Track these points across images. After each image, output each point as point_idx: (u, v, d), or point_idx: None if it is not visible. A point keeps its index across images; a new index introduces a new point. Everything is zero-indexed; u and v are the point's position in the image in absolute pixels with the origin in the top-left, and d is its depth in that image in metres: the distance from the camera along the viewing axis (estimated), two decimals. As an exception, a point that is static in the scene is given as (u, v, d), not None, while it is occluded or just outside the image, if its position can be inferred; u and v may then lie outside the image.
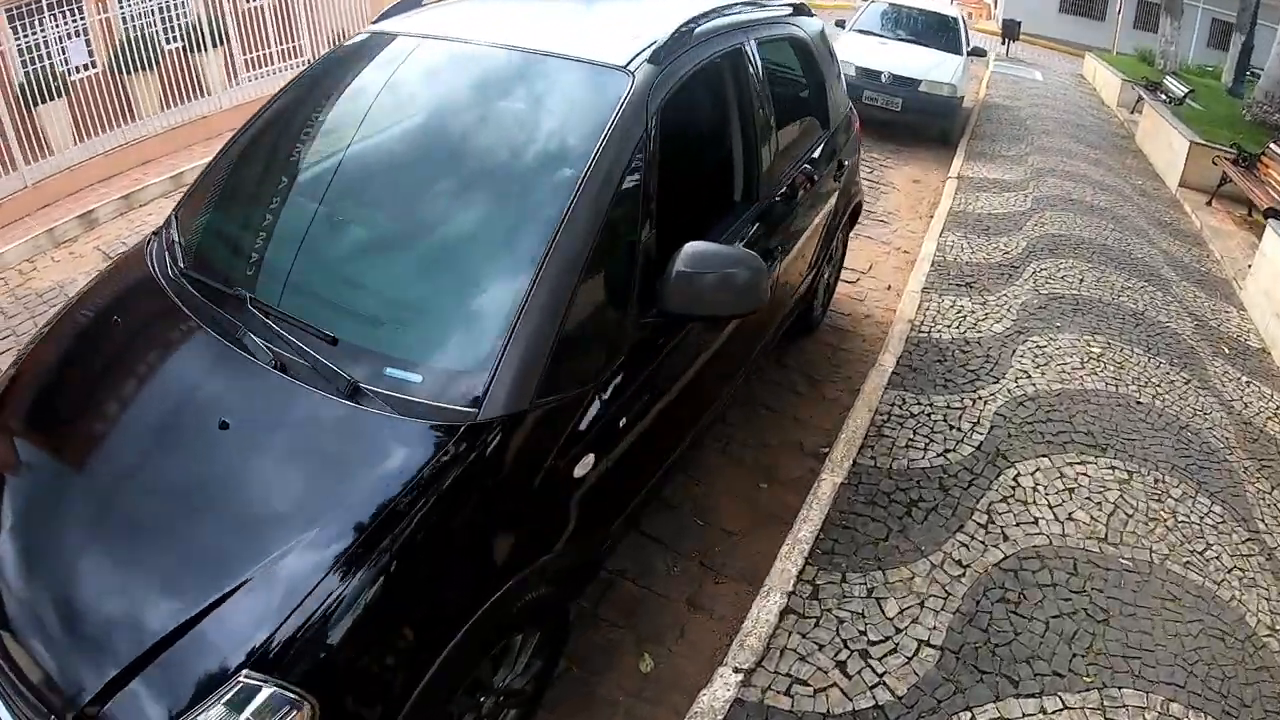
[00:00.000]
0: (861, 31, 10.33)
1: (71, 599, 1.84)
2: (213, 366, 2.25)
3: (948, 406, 4.31)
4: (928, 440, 4.05)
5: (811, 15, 4.47)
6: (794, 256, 3.87)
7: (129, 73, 10.07)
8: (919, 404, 4.33)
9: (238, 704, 1.65)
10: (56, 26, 10.15)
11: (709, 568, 3.37)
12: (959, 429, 4.13)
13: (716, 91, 3.71)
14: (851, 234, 6.26)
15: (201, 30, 10.98)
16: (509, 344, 2.11)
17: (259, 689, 1.66)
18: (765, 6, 3.96)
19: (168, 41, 10.81)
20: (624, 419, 2.49)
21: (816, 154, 4.20)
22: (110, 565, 1.89)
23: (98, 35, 10.57)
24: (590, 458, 2.34)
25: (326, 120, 2.99)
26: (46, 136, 9.94)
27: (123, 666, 1.70)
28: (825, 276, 4.88)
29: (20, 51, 9.77)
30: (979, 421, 4.18)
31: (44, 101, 9.43)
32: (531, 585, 2.17)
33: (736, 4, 3.64)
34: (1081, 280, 5.89)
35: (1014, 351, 4.82)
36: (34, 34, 10.04)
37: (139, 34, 10.65)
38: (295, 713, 1.67)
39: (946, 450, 3.98)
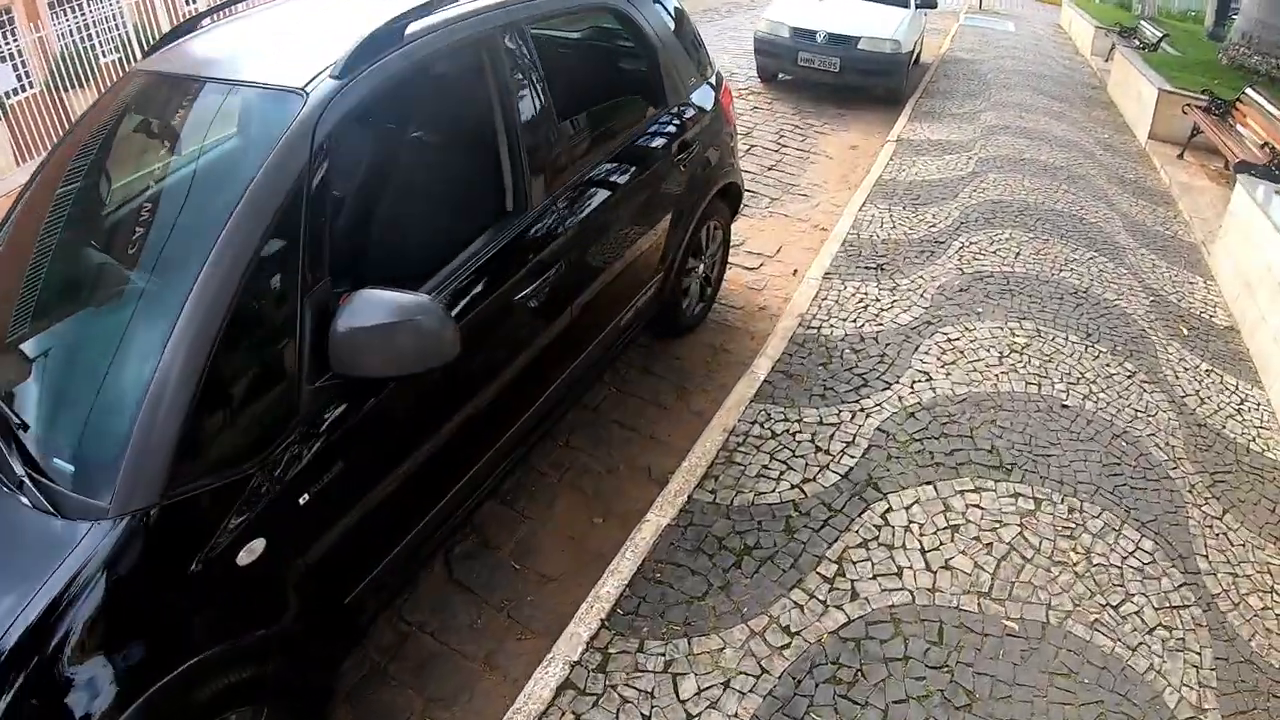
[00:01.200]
0: (798, -13, 9.33)
1: None
2: None
3: (820, 422, 3.53)
4: (784, 468, 3.28)
5: None
6: (611, 255, 3.35)
7: (69, 89, 9.69)
8: (785, 420, 3.56)
9: None
10: None
11: (516, 621, 2.93)
12: (826, 452, 3.35)
13: (452, 91, 3.25)
14: (766, 211, 5.54)
15: (138, 37, 10.74)
16: (133, 433, 1.93)
17: None
18: None
19: (103, 54, 10.31)
20: (306, 495, 2.18)
21: (642, 139, 3.61)
22: None
23: (33, 54, 10.05)
24: (260, 543, 2.08)
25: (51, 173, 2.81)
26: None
27: None
28: (700, 270, 4.24)
29: None
30: (853, 441, 3.40)
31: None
32: (214, 670, 2.02)
33: None
34: (1017, 254, 5.06)
35: (917, 348, 4.02)
36: None
37: (75, 50, 10.16)
38: None
39: (805, 480, 3.21)
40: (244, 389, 2.14)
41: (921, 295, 4.50)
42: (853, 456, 3.31)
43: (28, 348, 2.38)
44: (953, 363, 3.89)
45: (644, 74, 3.77)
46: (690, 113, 3.89)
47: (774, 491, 3.16)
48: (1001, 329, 4.19)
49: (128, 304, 2.25)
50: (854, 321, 4.27)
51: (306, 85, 2.34)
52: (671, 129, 3.76)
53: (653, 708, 2.42)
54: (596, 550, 3.14)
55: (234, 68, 2.67)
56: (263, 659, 2.18)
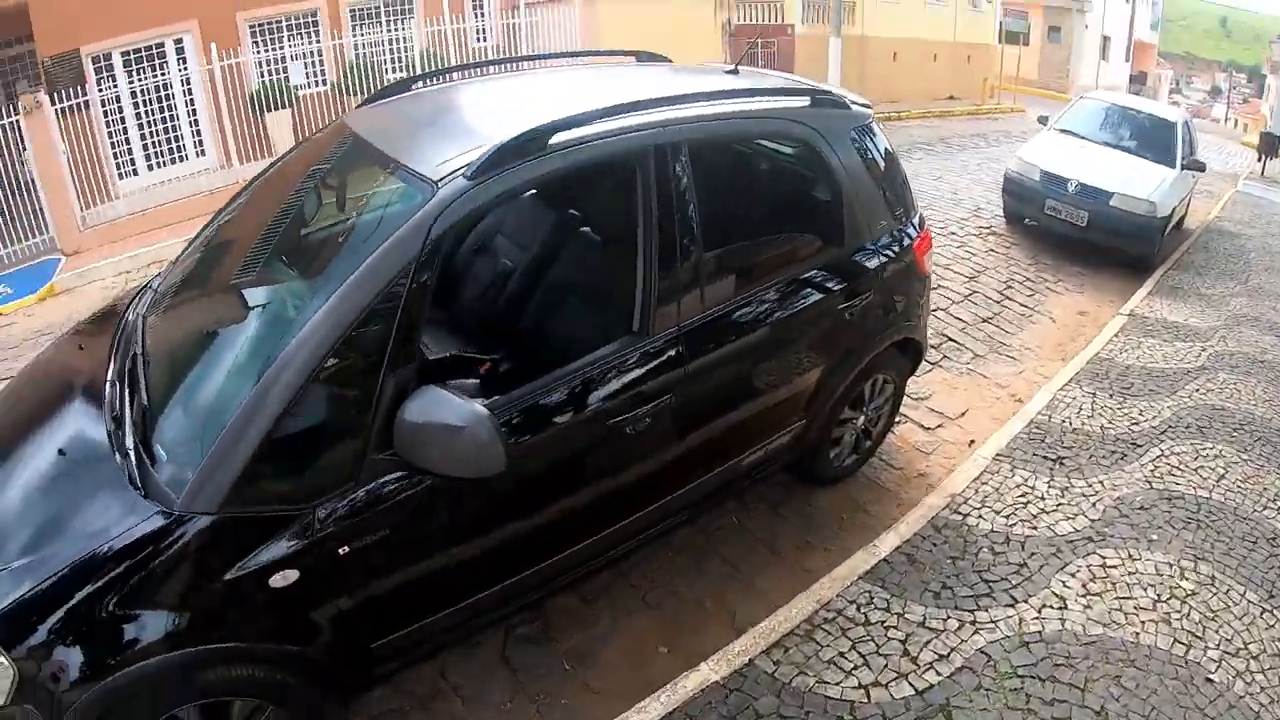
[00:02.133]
0: (1063, 131, 8.70)
1: None
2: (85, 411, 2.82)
3: (921, 623, 3.34)
4: (860, 663, 3.17)
5: (847, 108, 3.69)
6: (740, 393, 3.38)
7: (349, 94, 11.10)
8: (886, 610, 3.42)
9: None
10: (292, 45, 11.35)
11: (542, 718, 3.05)
12: (913, 659, 3.18)
13: (593, 203, 3.46)
14: (965, 367, 5.28)
15: (423, 64, 12.05)
16: (213, 450, 2.29)
17: None
18: (751, 97, 3.43)
19: (389, 71, 11.83)
20: (346, 548, 2.44)
21: (805, 280, 3.53)
22: None
23: (329, 57, 11.71)
24: (293, 574, 2.37)
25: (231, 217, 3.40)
26: (270, 140, 11.12)
27: None
28: (859, 422, 4.14)
29: (258, 65, 10.96)
30: (947, 656, 3.20)
31: (272, 110, 10.60)
32: (233, 659, 2.38)
33: (688, 96, 3.19)
34: (1221, 477, 4.43)
35: (1064, 566, 3.67)
36: (272, 49, 11.26)
37: (365, 61, 11.75)
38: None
39: (875, 684, 3.08)
40: (313, 442, 2.44)
41: (1094, 505, 4.09)
42: (939, 674, 3.10)
43: (180, 342, 2.93)
44: (1098, 594, 3.51)
45: (824, 211, 3.67)
46: (871, 259, 3.72)
47: (837, 685, 3.06)
48: (1171, 567, 3.71)
49: (249, 333, 2.66)
50: (1006, 517, 3.98)
51: (440, 180, 2.56)
52: (843, 274, 3.62)
53: None
54: (649, 679, 3.18)
55: (399, 143, 2.94)
56: (279, 667, 2.49)
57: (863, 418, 4.15)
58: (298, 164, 3.40)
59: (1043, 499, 4.12)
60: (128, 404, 2.71)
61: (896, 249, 3.87)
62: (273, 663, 2.51)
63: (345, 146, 3.20)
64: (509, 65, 4.89)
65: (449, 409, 2.34)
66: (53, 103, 9.62)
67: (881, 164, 3.84)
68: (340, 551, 2.45)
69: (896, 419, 4.70)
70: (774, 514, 4.09)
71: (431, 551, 2.72)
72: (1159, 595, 3.54)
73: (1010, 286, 6.51)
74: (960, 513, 4.01)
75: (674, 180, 3.00)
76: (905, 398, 4.98)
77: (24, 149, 9.80)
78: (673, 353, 3.03)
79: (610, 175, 3.20)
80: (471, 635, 3.23)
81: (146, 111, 10.91)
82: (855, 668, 3.12)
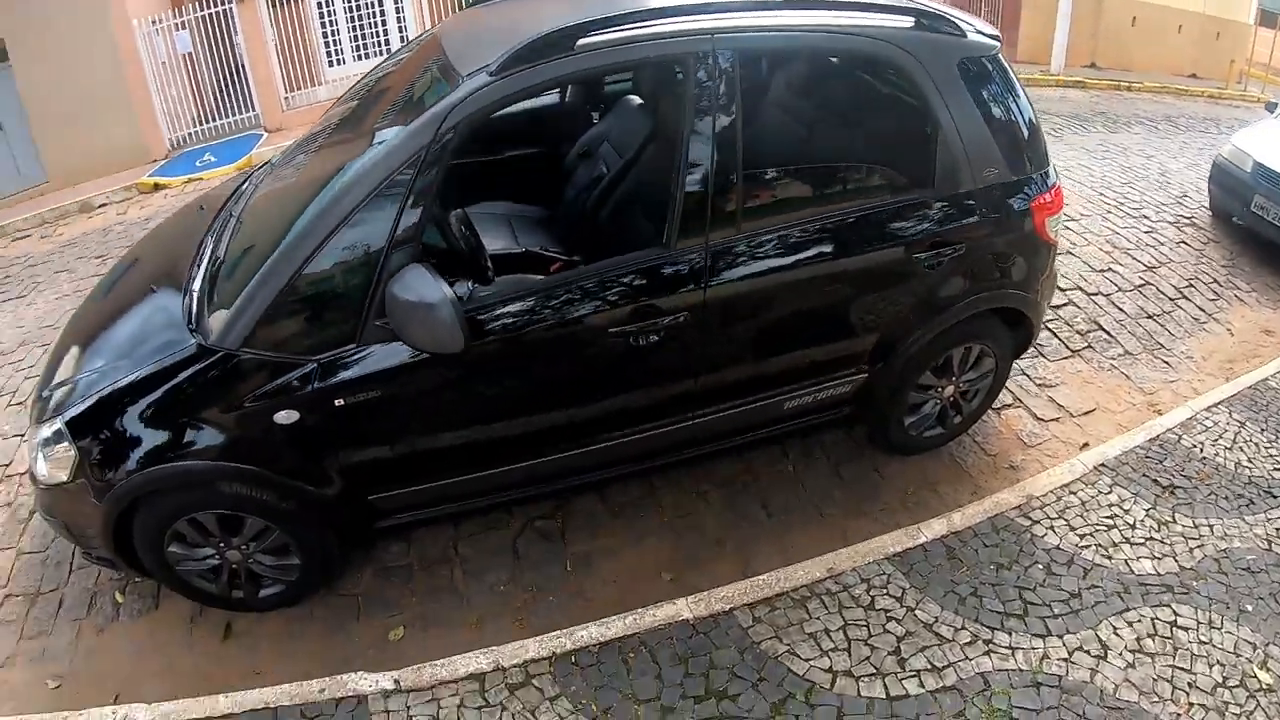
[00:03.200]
0: (1293, 120, 6.94)
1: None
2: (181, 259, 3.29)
3: (929, 625, 3.08)
4: (838, 648, 2.94)
5: (959, 35, 3.17)
6: (773, 328, 3.21)
7: None
8: (899, 601, 3.17)
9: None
10: None
11: (526, 609, 3.20)
12: (899, 659, 2.90)
13: (623, 107, 3.67)
14: (1108, 362, 4.64)
15: None
16: (239, 301, 2.66)
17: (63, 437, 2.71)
18: (838, 10, 3.05)
19: None
20: (342, 400, 2.70)
21: (874, 218, 3.17)
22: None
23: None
24: (294, 414, 2.69)
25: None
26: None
27: None
28: (945, 392, 3.75)
29: None
30: (939, 670, 2.90)
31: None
32: (243, 479, 2.78)
33: (756, 4, 3.00)
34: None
35: (1123, 613, 3.17)
36: None
37: None
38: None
39: (849, 673, 2.86)
40: (320, 302, 2.71)
41: (1191, 550, 3.49)
42: (922, 685, 2.83)
43: (262, 209, 3.29)
44: (1150, 655, 3.02)
45: (912, 145, 3.25)
46: (968, 208, 3.28)
47: (805, 661, 2.88)
48: (1254, 649, 3.11)
49: (303, 204, 2.82)
50: (1080, 537, 3.48)
51: (476, 72, 2.65)
52: (927, 218, 3.22)
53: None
54: (641, 601, 3.15)
55: (458, 44, 3.09)
56: (287, 497, 2.85)
57: (950, 388, 3.73)
58: (398, 64, 3.61)
59: (1132, 527, 3.57)
60: (206, 256, 3.17)
61: (1007, 203, 3.35)
62: (282, 492, 2.85)
63: (427, 48, 3.36)
64: None
65: (426, 287, 2.47)
66: None
67: (1000, 105, 3.29)
68: (336, 403, 2.71)
69: (1000, 400, 4.22)
70: (834, 473, 3.82)
71: (422, 420, 2.90)
72: (1225, 679, 2.99)
73: (1191, 286, 5.51)
74: (1030, 518, 3.55)
75: (713, 91, 2.80)
76: (1028, 381, 4.50)
77: (236, 33, 10.50)
78: (691, 272, 2.88)
79: (649, 82, 3.26)
80: (482, 512, 3.39)
81: (359, 3, 11.69)
82: (833, 649, 2.90)
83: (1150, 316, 5.13)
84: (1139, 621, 3.14)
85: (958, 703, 2.76)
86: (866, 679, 2.79)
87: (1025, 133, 3.40)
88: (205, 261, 3.12)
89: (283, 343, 2.66)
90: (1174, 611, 3.20)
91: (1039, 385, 4.49)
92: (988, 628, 3.02)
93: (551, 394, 3.00)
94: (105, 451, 2.71)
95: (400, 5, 11.76)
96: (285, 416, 2.68)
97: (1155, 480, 3.85)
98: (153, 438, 2.70)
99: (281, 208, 2.97)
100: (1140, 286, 5.40)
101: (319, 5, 11.58)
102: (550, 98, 4.27)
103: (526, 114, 4.04)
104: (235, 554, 2.95)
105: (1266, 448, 4.14)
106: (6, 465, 4.18)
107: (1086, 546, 3.44)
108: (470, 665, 2.86)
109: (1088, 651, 2.99)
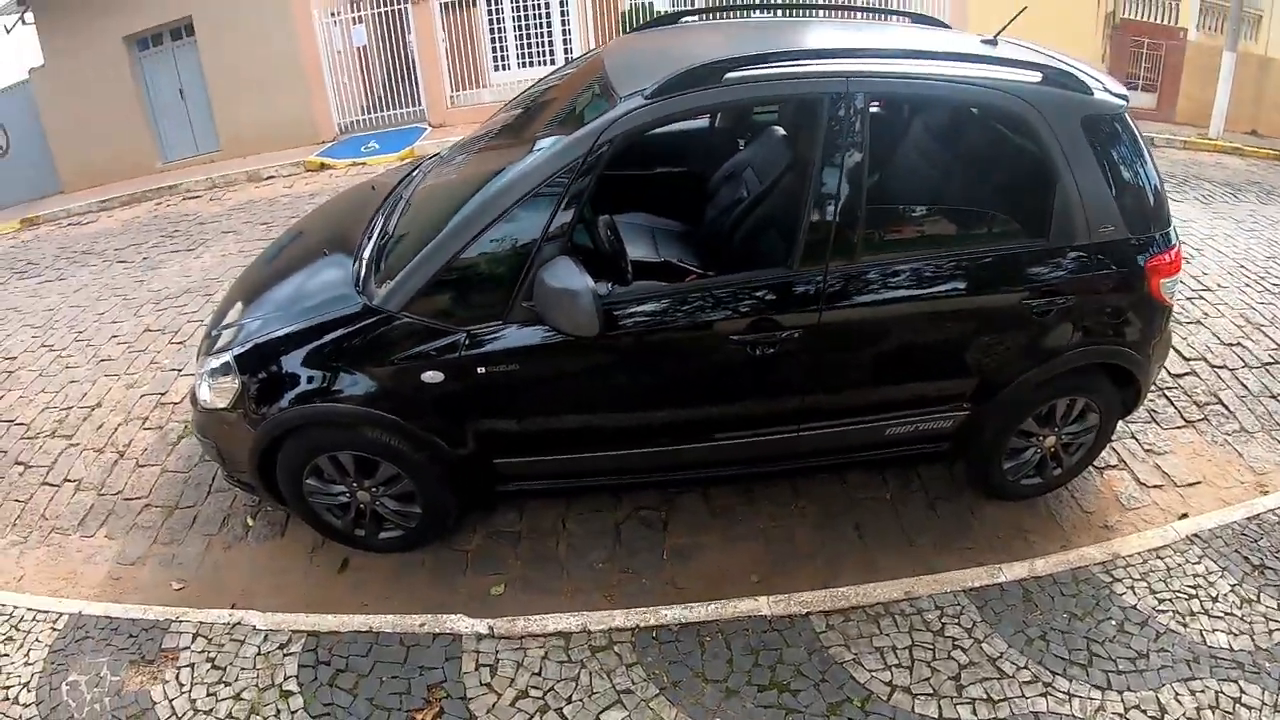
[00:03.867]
0: None
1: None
2: (353, 229, 3.85)
3: (993, 660, 3.26)
4: (901, 665, 3.20)
5: (1085, 93, 3.32)
6: (872, 354, 3.46)
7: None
8: (966, 632, 3.36)
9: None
10: None
11: (617, 589, 3.56)
12: (959, 688, 3.13)
13: (760, 135, 4.00)
14: (1224, 437, 4.64)
15: None
16: (405, 271, 3.11)
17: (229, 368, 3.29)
18: (967, 62, 3.30)
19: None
20: (484, 368, 3.11)
21: (984, 262, 3.37)
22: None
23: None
24: (439, 375, 3.10)
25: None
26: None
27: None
28: (1047, 441, 3.87)
29: None
30: (993, 701, 3.10)
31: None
32: (380, 427, 3.23)
33: (892, 52, 3.36)
34: None
35: (1190, 679, 3.26)
36: None
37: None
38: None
39: (907, 689, 3.12)
40: (477, 281, 3.12)
41: (1270, 633, 3.49)
42: (973, 714, 3.04)
43: (430, 195, 3.80)
44: (1208, 722, 3.12)
45: (1030, 196, 3.40)
46: (1081, 261, 3.39)
47: (869, 671, 3.14)
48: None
49: (469, 195, 3.23)
50: (1160, 601, 3.56)
51: (632, 94, 3.02)
52: (1039, 267, 3.37)
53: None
54: (729, 593, 3.46)
55: (621, 66, 3.44)
56: (422, 449, 3.27)
57: (1052, 438, 3.86)
58: (562, 79, 4.05)
59: (1215, 600, 3.61)
60: (377, 229, 3.70)
61: (1121, 260, 3.45)
62: (417, 444, 3.26)
63: (591, 68, 3.75)
64: (786, 10, 5.25)
65: (571, 277, 2.82)
66: None
67: (1122, 164, 3.40)
68: (479, 370, 3.11)
69: (1104, 460, 4.30)
70: (929, 506, 4.03)
71: (551, 397, 3.30)
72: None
73: None
74: (1113, 575, 3.66)
75: (845, 129, 3.08)
76: (1137, 446, 4.53)
77: (409, 32, 11.40)
78: (810, 293, 3.16)
79: (790, 116, 3.62)
80: (593, 492, 3.82)
81: (527, 15, 12.53)
82: (897, 665, 3.14)
83: (1274, 396, 5.02)
84: (1202, 692, 3.22)
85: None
86: (923, 698, 3.03)
87: (1147, 193, 3.47)
88: (375, 235, 3.64)
89: (439, 312, 3.09)
90: (1240, 689, 3.26)
91: (1147, 450, 4.52)
92: (1050, 671, 3.19)
93: (670, 389, 3.36)
94: (265, 387, 3.25)
95: (566, 19, 12.46)
96: (432, 377, 3.11)
97: (1247, 558, 3.86)
98: (309, 380, 3.21)
99: (449, 195, 3.44)
100: (1269, 364, 5.27)
101: (489, 12, 12.34)
102: (701, 123, 4.64)
103: (678, 136, 4.44)
104: (365, 495, 3.47)
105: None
106: (163, 394, 4.88)
107: (1164, 611, 3.53)
108: (560, 624, 3.29)
109: (1144, 711, 3.11)
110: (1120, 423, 4.62)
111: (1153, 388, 4.95)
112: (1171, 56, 13.39)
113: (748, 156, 4.16)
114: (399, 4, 11.68)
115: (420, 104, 12.04)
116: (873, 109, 3.21)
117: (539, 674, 3.14)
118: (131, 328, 6.03)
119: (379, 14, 11.91)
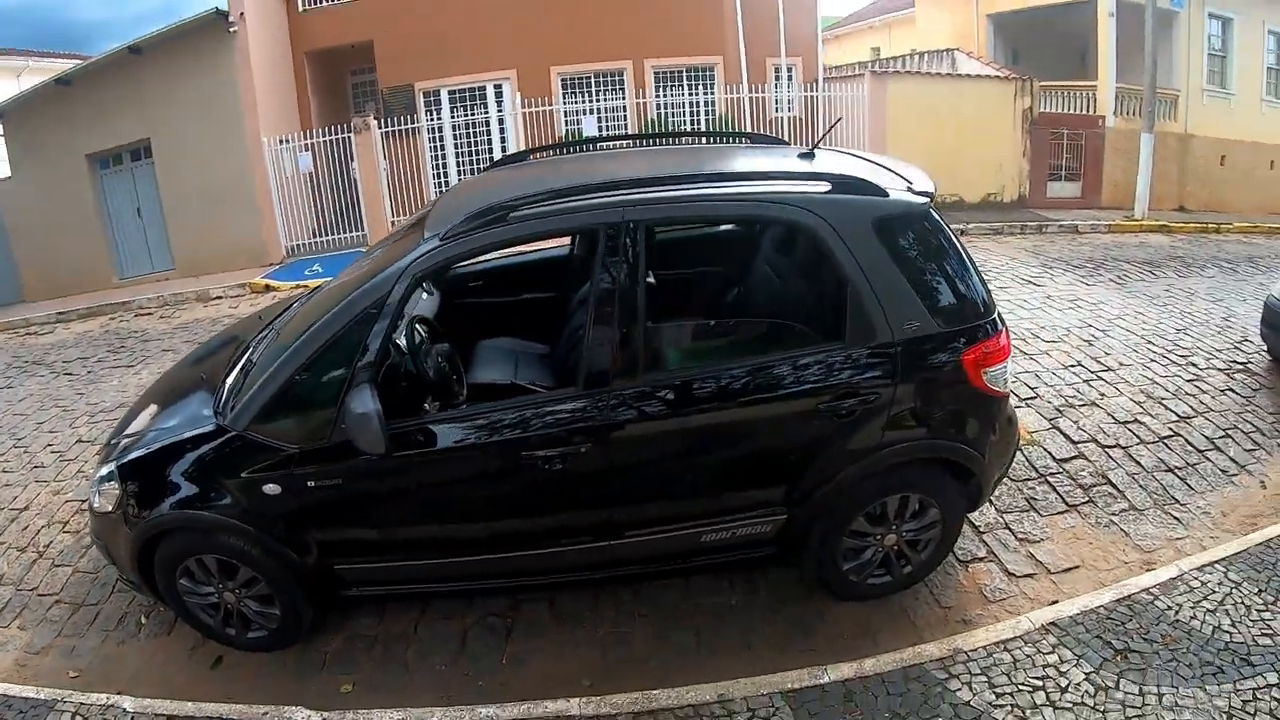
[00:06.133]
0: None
1: None
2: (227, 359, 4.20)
3: None
4: None
5: (878, 195, 3.33)
6: (683, 469, 3.42)
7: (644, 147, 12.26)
8: None
9: None
10: (602, 100, 12.62)
11: (454, 690, 3.56)
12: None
13: (540, 266, 4.40)
14: (1110, 516, 4.42)
15: (721, 126, 12.40)
16: (248, 396, 3.37)
17: None
18: (756, 180, 3.45)
19: (689, 129, 12.37)
20: (314, 482, 3.27)
21: (786, 367, 3.32)
22: None
23: (633, 115, 12.69)
24: (277, 488, 3.28)
25: None
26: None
27: None
28: (886, 540, 3.69)
29: (564, 114, 12.66)
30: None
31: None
32: (236, 534, 3.41)
33: (682, 177, 3.46)
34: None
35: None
36: (582, 101, 12.35)
37: (664, 121, 12.53)
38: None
39: None
40: (303, 405, 3.33)
41: None
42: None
43: (279, 338, 3.82)
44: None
45: (821, 301, 3.39)
46: (882, 359, 3.29)
47: None
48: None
49: (300, 332, 3.44)
50: (997, 696, 3.27)
51: (431, 237, 3.26)
52: (837, 369, 3.29)
53: None
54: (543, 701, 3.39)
55: (444, 208, 3.65)
56: (272, 555, 3.43)
57: (892, 536, 3.67)
58: (418, 214, 4.20)
59: (1064, 691, 3.29)
60: (244, 357, 3.88)
61: (930, 354, 3.35)
62: (266, 549, 3.41)
63: (431, 206, 4.04)
64: (639, 142, 5.61)
65: (364, 403, 2.97)
66: (380, 127, 11.88)
67: (925, 259, 3.35)
68: (309, 484, 3.27)
69: (970, 552, 4.14)
70: (775, 609, 3.86)
71: (368, 509, 3.42)
72: None
73: (1227, 437, 4.99)
74: (950, 671, 3.40)
75: (624, 253, 3.17)
76: (1009, 535, 4.31)
77: (352, 159, 11.98)
78: (596, 410, 3.18)
79: (575, 243, 3.77)
80: (442, 597, 3.91)
81: (466, 140, 12.98)
82: None
83: (1170, 470, 4.76)
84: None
85: None
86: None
87: (958, 285, 3.40)
88: (241, 361, 3.90)
89: (275, 431, 3.28)
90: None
91: (1020, 540, 4.27)
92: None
93: (472, 503, 3.41)
94: (140, 493, 3.45)
95: (505, 139, 12.85)
96: (271, 489, 3.29)
97: (1109, 644, 3.54)
98: (174, 489, 3.41)
99: (297, 327, 3.60)
100: (1167, 438, 5.02)
101: (431, 137, 12.81)
102: (563, 248, 4.79)
103: (544, 263, 4.70)
104: (230, 596, 3.58)
105: (1259, 611, 3.69)
106: (84, 501, 5.09)
107: (1001, 706, 3.24)
108: (383, 718, 3.31)
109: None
110: (994, 513, 4.46)
111: (1035, 474, 4.77)
112: (1092, 144, 13.46)
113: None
114: (343, 133, 12.11)
115: (364, 228, 12.24)
116: (666, 233, 3.34)
117: (360, 763, 3.09)
118: (65, 438, 6.35)
119: (325, 141, 12.26)
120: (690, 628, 3.74)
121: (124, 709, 3.51)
